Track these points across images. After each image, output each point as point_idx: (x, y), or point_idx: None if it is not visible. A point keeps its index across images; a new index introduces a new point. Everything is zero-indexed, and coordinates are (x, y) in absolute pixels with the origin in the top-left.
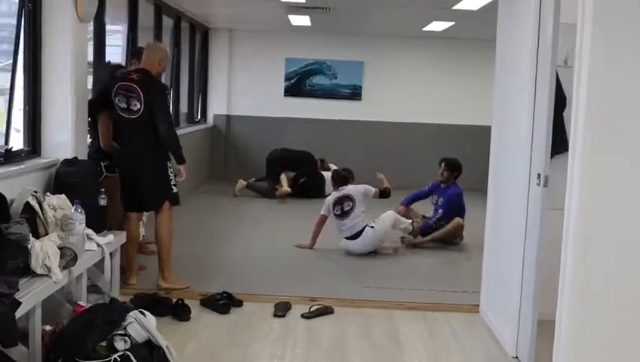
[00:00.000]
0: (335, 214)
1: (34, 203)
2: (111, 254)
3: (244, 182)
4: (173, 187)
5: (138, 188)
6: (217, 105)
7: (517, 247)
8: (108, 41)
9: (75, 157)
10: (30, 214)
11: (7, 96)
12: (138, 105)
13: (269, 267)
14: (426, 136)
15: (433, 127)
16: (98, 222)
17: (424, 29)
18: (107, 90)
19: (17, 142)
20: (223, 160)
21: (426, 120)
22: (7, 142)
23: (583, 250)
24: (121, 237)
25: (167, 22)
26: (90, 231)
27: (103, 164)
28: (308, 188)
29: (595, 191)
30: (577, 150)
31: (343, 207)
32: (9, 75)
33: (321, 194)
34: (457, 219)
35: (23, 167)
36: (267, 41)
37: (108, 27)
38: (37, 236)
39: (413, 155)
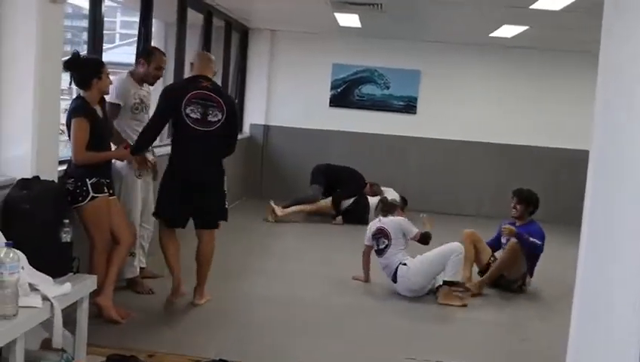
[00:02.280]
0: (375, 250)
1: None
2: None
3: (280, 209)
4: (227, 203)
5: (201, 204)
6: (255, 114)
7: (631, 305)
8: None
9: (36, 177)
10: None
11: None
12: (219, 116)
13: (288, 319)
14: (489, 157)
15: (497, 147)
16: (58, 265)
17: (492, 34)
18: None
19: None
20: (259, 176)
21: (490, 139)
22: None
23: None
24: (89, 283)
25: (195, 17)
26: (37, 281)
27: (89, 182)
28: (349, 212)
29: None
30: None
31: (379, 244)
32: None
33: (364, 221)
34: (512, 242)
35: None
36: (313, 45)
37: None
38: None
39: (474, 179)
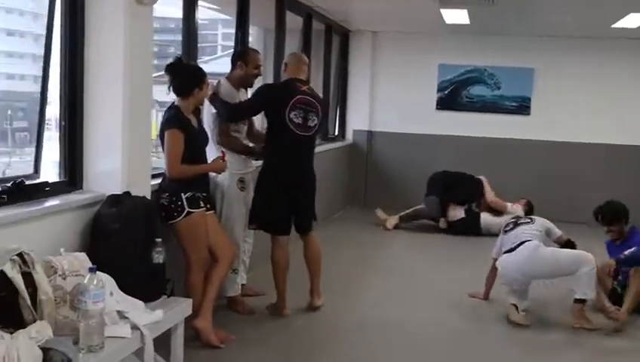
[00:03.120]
0: (504, 230)
1: (13, 273)
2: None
3: (395, 217)
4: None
5: (304, 208)
6: (358, 120)
7: None
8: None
9: (126, 192)
10: (7, 291)
11: (38, 110)
12: (315, 121)
13: (393, 344)
14: (612, 160)
15: (620, 149)
16: (150, 288)
17: (614, 25)
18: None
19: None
20: (363, 184)
21: (612, 140)
22: (36, 170)
23: None
24: (184, 307)
25: (294, 21)
26: (127, 307)
27: (184, 197)
28: (458, 222)
29: None
30: None
31: (518, 222)
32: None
33: (474, 232)
34: (634, 270)
35: (47, 206)
36: (417, 45)
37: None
38: (17, 325)
39: (593, 184)
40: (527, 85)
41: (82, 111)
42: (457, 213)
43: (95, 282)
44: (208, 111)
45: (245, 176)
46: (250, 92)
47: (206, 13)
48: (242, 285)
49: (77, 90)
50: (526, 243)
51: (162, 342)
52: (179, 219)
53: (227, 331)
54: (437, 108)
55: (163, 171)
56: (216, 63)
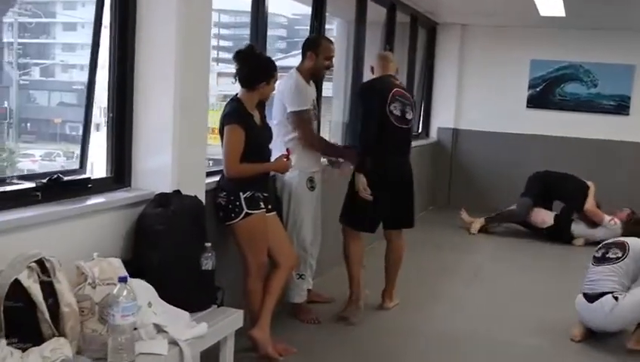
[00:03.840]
0: (592, 260)
1: (29, 282)
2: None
3: (480, 220)
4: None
5: (402, 204)
6: (443, 117)
7: None
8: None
9: (176, 191)
10: (24, 302)
11: (84, 102)
12: (411, 114)
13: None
14: None
15: None
16: (197, 297)
17: None
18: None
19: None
20: (447, 184)
21: None
22: (82, 165)
23: None
24: (235, 319)
25: (378, 13)
26: (166, 320)
27: (242, 197)
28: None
29: None
30: None
31: (606, 254)
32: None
33: (565, 238)
34: None
35: (86, 205)
36: (508, 39)
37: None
38: (35, 340)
39: None
40: (627, 83)
41: (132, 103)
42: (546, 218)
43: (125, 293)
44: (278, 106)
45: (315, 175)
46: (319, 85)
47: (298, 8)
48: (308, 291)
49: (126, 80)
50: (605, 296)
51: (211, 354)
52: (237, 220)
53: (289, 341)
54: (527, 107)
55: (221, 168)
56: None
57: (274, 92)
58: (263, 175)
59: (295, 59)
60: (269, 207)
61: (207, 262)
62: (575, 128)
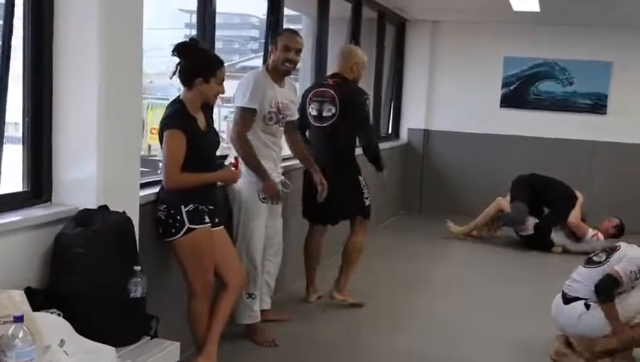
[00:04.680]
0: (586, 257)
1: None
2: None
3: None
4: (365, 200)
5: (327, 201)
6: (413, 118)
7: None
8: None
9: (102, 207)
10: None
11: None
12: (333, 110)
13: None
14: None
15: None
16: (125, 329)
17: None
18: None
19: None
20: (418, 188)
21: None
22: None
23: None
24: (171, 352)
25: (343, 8)
26: (84, 359)
27: (184, 210)
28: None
29: None
30: None
31: (592, 257)
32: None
33: (546, 246)
34: None
35: (3, 222)
36: (481, 36)
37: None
38: None
39: None
40: (604, 81)
41: (50, 106)
42: (528, 225)
43: (21, 335)
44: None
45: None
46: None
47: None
48: (264, 310)
49: (44, 80)
50: (578, 302)
51: None
52: (178, 236)
53: None
54: (501, 106)
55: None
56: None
57: (220, 94)
58: (208, 185)
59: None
60: (216, 220)
61: (136, 289)
62: (551, 128)
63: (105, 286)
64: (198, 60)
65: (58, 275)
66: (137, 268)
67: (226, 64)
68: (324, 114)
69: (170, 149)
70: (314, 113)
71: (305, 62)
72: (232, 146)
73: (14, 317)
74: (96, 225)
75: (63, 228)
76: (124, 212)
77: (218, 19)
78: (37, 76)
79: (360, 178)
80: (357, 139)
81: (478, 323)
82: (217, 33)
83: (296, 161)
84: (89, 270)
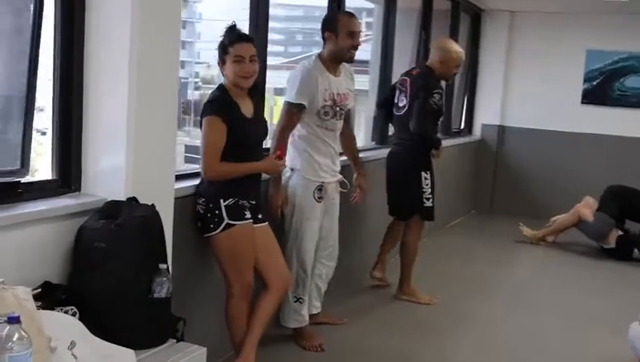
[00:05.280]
0: None
1: None
2: None
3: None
4: (426, 201)
5: (394, 193)
6: (488, 113)
7: None
8: None
9: (131, 199)
10: None
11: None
12: (404, 101)
13: None
14: None
15: None
16: (147, 331)
17: None
18: None
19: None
20: (490, 187)
21: None
22: (23, 164)
23: None
24: (196, 358)
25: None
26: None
27: (223, 205)
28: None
29: None
30: None
31: None
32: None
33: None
34: None
35: (15, 214)
36: (562, 28)
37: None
38: None
39: None
40: None
41: (81, 91)
42: (610, 239)
43: (16, 338)
44: None
45: (328, 186)
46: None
47: (351, 2)
48: (313, 315)
49: (74, 63)
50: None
51: None
52: (216, 232)
53: None
54: (582, 103)
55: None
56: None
57: (243, 74)
58: (251, 178)
59: None
60: (259, 216)
61: (161, 289)
62: (636, 127)
63: (127, 283)
64: (221, 42)
65: (78, 271)
66: (163, 266)
67: (288, 58)
68: (400, 103)
69: (208, 137)
70: (395, 101)
71: (374, 54)
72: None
73: (9, 318)
74: (121, 218)
75: (87, 220)
76: (153, 205)
77: (280, 12)
78: (67, 61)
79: (424, 174)
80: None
81: (550, 335)
82: (280, 26)
83: (371, 152)
84: (110, 266)
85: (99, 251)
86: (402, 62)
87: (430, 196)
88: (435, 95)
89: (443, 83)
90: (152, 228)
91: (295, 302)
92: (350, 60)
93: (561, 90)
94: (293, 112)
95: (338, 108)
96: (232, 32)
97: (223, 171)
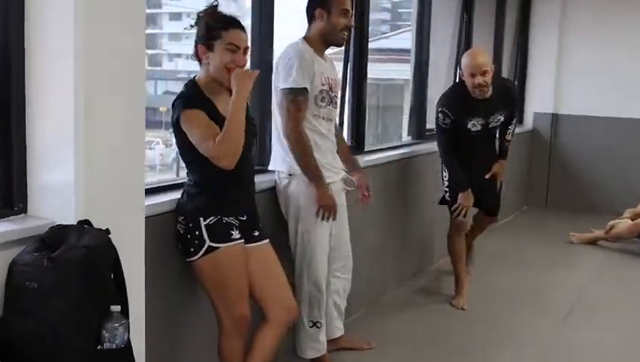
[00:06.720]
0: None
1: None
2: None
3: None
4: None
5: None
6: (540, 101)
7: None
8: None
9: (82, 222)
10: None
11: None
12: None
13: None
14: None
15: None
16: None
17: None
18: None
19: None
20: (544, 181)
21: None
22: None
23: None
24: None
25: None
26: None
27: (203, 224)
28: None
29: None
30: None
31: None
32: None
33: None
34: None
35: None
36: (620, 4)
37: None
38: None
39: None
40: None
41: (23, 95)
42: None
43: None
44: (276, 88)
45: (333, 185)
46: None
47: None
48: (334, 340)
49: (11, 63)
50: None
51: None
52: (197, 256)
53: None
54: None
55: (186, 181)
56: (397, 39)
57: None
58: (238, 188)
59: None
60: (255, 233)
61: (113, 337)
62: None
63: (64, 332)
64: (205, 27)
65: (8, 315)
66: (116, 308)
67: None
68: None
69: (194, 123)
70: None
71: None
72: (287, 145)
73: None
74: (60, 250)
75: (20, 253)
76: (106, 230)
77: None
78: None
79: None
80: None
81: (618, 354)
82: None
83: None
84: (42, 312)
85: (31, 292)
86: (441, 51)
87: (447, 189)
88: (439, 115)
89: (478, 93)
90: (100, 262)
91: (311, 327)
92: (341, 44)
93: (622, 74)
94: (300, 100)
95: (333, 95)
96: (224, 15)
97: (225, 148)
